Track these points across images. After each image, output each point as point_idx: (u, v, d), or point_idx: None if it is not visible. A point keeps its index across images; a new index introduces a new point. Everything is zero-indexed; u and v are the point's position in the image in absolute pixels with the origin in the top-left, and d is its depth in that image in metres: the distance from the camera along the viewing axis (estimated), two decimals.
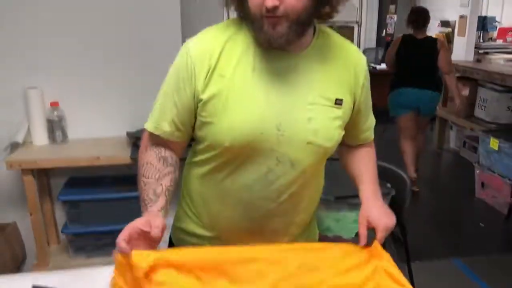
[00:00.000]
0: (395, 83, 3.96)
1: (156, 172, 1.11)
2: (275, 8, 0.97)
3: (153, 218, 1.02)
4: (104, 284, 1.03)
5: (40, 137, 2.21)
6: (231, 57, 1.07)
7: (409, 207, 2.09)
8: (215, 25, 1.13)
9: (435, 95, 3.92)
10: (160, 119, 1.13)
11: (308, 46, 1.11)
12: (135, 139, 2.15)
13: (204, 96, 1.07)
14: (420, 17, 3.89)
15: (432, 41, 3.90)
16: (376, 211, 1.17)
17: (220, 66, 1.06)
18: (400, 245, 2.18)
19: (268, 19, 1.00)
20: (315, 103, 1.10)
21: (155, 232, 0.98)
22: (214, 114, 1.07)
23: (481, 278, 2.62)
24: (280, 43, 1.03)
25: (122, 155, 2.09)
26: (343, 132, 1.16)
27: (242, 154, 1.09)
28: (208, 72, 1.06)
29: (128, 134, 2.22)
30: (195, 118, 1.12)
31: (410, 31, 3.99)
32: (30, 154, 2.11)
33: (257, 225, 1.19)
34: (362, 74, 1.17)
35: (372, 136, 1.32)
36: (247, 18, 1.07)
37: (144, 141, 1.18)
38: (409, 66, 3.87)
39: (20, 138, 2.17)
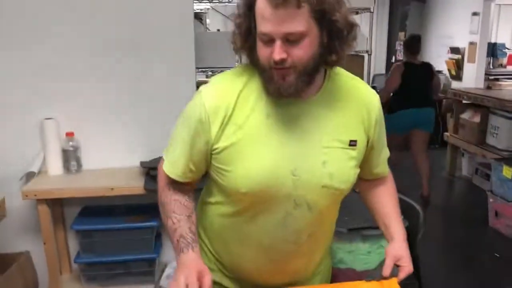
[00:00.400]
0: (396, 106, 4.26)
1: (185, 209, 1.16)
2: (282, 60, 0.99)
3: (205, 273, 1.07)
4: None
5: (55, 167, 2.24)
6: (245, 106, 1.09)
7: (418, 244, 2.07)
8: (229, 73, 1.16)
9: (431, 111, 4.35)
10: (175, 163, 1.17)
11: (320, 90, 1.12)
12: (148, 170, 2.18)
13: (219, 145, 1.09)
14: (418, 43, 4.35)
15: (428, 65, 4.38)
16: (407, 254, 1.21)
17: (235, 115, 1.08)
18: (412, 277, 2.15)
19: (276, 70, 1.02)
20: (330, 147, 1.11)
21: None
22: (230, 162, 1.08)
23: None
24: (290, 93, 1.05)
25: (135, 185, 2.11)
26: (358, 171, 1.17)
27: (259, 200, 1.10)
28: (223, 121, 1.08)
29: (142, 164, 2.24)
30: (210, 161, 1.14)
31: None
32: (45, 184, 2.13)
33: (278, 266, 1.20)
34: (374, 112, 1.18)
35: (387, 170, 1.33)
36: (257, 65, 1.09)
37: (162, 178, 1.21)
38: (409, 88, 4.20)
39: (35, 168, 2.20)
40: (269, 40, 1.00)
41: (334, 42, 1.03)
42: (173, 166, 1.17)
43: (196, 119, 1.10)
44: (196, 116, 1.10)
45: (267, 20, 0.98)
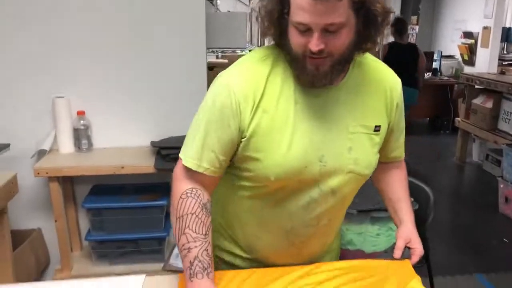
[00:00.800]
0: None
1: (202, 226, 1.06)
2: (320, 51, 0.96)
3: None
4: None
5: (67, 145, 2.25)
6: (274, 91, 1.05)
7: (428, 227, 2.07)
8: (252, 56, 1.11)
9: (413, 92, 4.63)
10: (203, 156, 1.07)
11: (346, 74, 1.10)
12: (159, 149, 2.18)
13: (248, 133, 1.04)
14: (403, 26, 4.65)
15: (413, 46, 4.68)
16: (417, 237, 1.24)
17: (264, 100, 1.04)
18: (422, 259, 2.15)
19: (311, 59, 0.98)
20: (356, 132, 1.10)
21: None
22: (259, 150, 1.05)
23: None
24: (324, 84, 1.03)
25: (146, 165, 2.12)
26: (379, 155, 1.17)
27: (286, 186, 1.09)
28: (253, 108, 1.04)
29: (153, 144, 2.24)
30: (237, 150, 1.09)
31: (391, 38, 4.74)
32: (57, 162, 2.15)
33: (295, 249, 1.20)
34: (396, 95, 1.17)
35: (403, 154, 1.32)
36: (285, 50, 1.05)
37: (180, 185, 1.09)
38: (393, 67, 4.30)
39: (47, 146, 2.21)
40: (306, 30, 0.96)
41: (370, 30, 1.01)
42: (201, 160, 1.06)
43: (226, 107, 1.04)
44: (226, 105, 1.04)
45: (306, 10, 0.93)
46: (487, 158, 4.73)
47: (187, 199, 1.07)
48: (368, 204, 2.07)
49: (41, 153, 2.21)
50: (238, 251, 1.26)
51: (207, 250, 1.04)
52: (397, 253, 1.20)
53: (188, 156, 1.08)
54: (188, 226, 1.04)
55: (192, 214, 1.05)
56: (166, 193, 2.33)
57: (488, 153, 4.72)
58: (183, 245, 1.04)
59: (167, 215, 2.30)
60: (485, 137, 4.65)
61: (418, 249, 1.21)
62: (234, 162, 1.12)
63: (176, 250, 2.30)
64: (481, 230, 3.54)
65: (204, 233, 1.05)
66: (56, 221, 2.13)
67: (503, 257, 3.07)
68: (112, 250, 2.29)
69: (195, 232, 1.04)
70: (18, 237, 2.19)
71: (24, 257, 2.19)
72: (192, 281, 1.01)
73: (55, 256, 2.36)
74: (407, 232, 1.24)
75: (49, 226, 2.31)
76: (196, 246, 1.03)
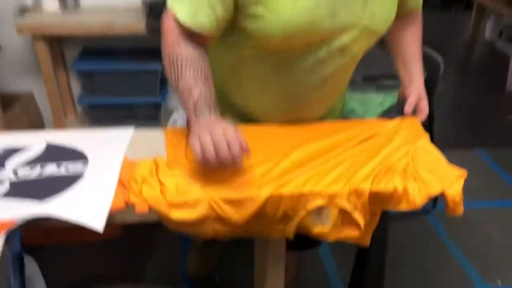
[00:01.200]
0: None
1: (200, 70, 0.94)
2: None
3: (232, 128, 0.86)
4: (122, 144, 1.01)
5: (51, 2, 2.07)
6: None
7: (435, 97, 1.98)
8: None
9: None
10: (196, 7, 0.92)
11: None
12: (150, 7, 2.01)
13: None
14: None
15: None
16: (425, 96, 1.17)
17: None
18: (426, 129, 2.11)
19: None
20: None
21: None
22: (264, 5, 0.91)
23: (504, 170, 2.58)
24: None
25: (137, 24, 1.97)
26: (396, 8, 1.04)
27: (292, 46, 0.97)
28: None
29: (143, 1, 2.06)
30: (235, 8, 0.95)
31: None
32: (41, 20, 2.00)
33: (296, 113, 1.13)
34: None
35: (421, 4, 1.19)
36: None
37: (172, 32, 0.95)
38: None
39: (28, 1, 2.04)
40: None
41: None
42: (195, 10, 0.92)
43: None
44: None
45: None
46: (500, 36, 4.51)
47: (185, 46, 0.94)
48: (375, 70, 1.96)
49: (22, 10, 2.04)
50: (234, 115, 1.16)
51: (210, 93, 0.93)
52: (409, 108, 1.12)
53: (181, 7, 0.93)
54: (186, 70, 0.92)
55: (188, 58, 0.93)
56: (160, 59, 2.21)
57: (502, 29, 4.49)
58: (182, 88, 0.93)
59: (162, 81, 2.20)
60: (501, 11, 4.37)
61: (424, 111, 1.14)
62: (236, 22, 0.98)
63: (174, 116, 2.25)
64: (486, 106, 3.49)
65: (204, 77, 0.93)
66: (45, 83, 2.04)
67: (504, 134, 3.05)
68: (106, 115, 2.24)
69: (194, 76, 0.92)
70: (8, 100, 2.12)
71: (17, 121, 2.14)
72: (198, 120, 0.90)
73: (49, 122, 2.31)
74: (418, 88, 1.16)
75: (40, 91, 2.23)
76: (197, 86, 0.91)
